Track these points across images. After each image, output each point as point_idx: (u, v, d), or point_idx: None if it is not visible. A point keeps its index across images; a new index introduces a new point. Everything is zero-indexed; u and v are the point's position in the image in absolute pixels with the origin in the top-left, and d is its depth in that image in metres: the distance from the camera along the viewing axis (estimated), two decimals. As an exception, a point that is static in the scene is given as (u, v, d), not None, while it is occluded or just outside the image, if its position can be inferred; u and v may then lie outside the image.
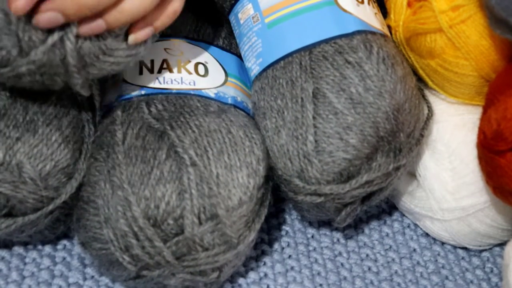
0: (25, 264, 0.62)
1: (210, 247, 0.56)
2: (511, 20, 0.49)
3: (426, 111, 0.63)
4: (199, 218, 0.55)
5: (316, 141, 0.58)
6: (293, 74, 0.60)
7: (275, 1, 0.62)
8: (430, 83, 0.64)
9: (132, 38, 0.55)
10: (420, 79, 0.66)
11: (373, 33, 0.61)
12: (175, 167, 0.56)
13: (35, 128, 0.57)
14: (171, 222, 0.55)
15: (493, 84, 0.58)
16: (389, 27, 0.64)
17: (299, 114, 0.59)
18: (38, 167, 0.56)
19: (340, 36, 0.60)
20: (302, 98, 0.59)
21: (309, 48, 0.60)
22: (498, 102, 0.55)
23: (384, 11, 0.66)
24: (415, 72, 0.65)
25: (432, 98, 0.66)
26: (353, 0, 0.62)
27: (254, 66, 0.63)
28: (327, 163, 0.58)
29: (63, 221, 0.61)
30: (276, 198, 0.65)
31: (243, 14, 0.64)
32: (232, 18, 0.66)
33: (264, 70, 0.62)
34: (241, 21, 0.64)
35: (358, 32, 0.60)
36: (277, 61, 0.61)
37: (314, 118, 0.58)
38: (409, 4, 0.62)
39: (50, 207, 0.57)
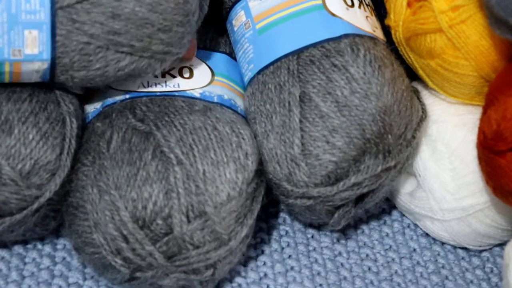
0: (25, 264, 0.62)
1: (201, 244, 0.56)
2: (511, 20, 0.49)
3: (420, 113, 0.63)
4: (187, 216, 0.55)
5: (303, 144, 0.59)
6: (281, 78, 0.60)
7: (265, 7, 0.63)
8: (430, 83, 0.64)
9: None
10: (420, 79, 0.66)
11: (361, 36, 0.61)
12: (161, 167, 0.56)
13: (10, 128, 0.56)
14: (159, 222, 0.55)
15: (493, 84, 0.58)
16: (389, 27, 0.64)
17: (286, 118, 0.59)
18: (18, 167, 0.56)
19: (327, 40, 0.61)
20: (289, 102, 0.59)
21: (297, 53, 0.61)
22: (498, 102, 0.55)
23: (384, 11, 0.66)
24: (414, 73, 0.65)
25: (432, 98, 0.66)
26: (342, 4, 0.62)
27: (246, 72, 0.64)
28: (314, 166, 0.58)
29: (53, 217, 0.61)
30: (276, 198, 0.65)
31: (236, 21, 0.65)
32: (228, 25, 0.67)
33: (255, 75, 0.62)
34: (235, 28, 0.65)
35: (346, 35, 0.61)
36: (266, 67, 0.62)
37: (300, 121, 0.59)
38: (409, 4, 0.62)
39: (35, 205, 0.57)
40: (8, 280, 0.61)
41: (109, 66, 0.56)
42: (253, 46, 0.63)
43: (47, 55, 0.55)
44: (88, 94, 0.63)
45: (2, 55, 0.54)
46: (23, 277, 0.61)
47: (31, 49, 0.54)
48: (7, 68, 0.55)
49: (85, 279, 0.62)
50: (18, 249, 0.63)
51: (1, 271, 0.62)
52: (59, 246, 0.64)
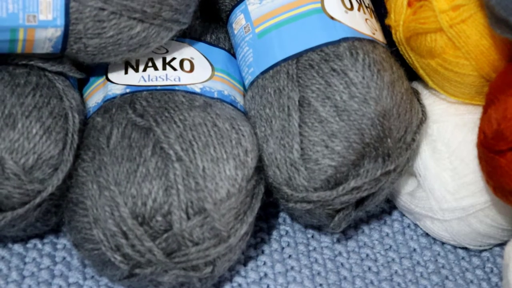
0: (25, 264, 0.62)
1: (200, 241, 0.56)
2: (511, 20, 0.49)
3: (420, 115, 0.63)
4: (187, 213, 0.55)
5: (302, 149, 0.59)
6: (281, 83, 0.61)
7: (265, 11, 0.63)
8: (430, 83, 0.64)
9: None
10: (420, 79, 0.66)
11: (360, 39, 0.61)
12: (161, 163, 0.56)
13: (14, 121, 0.56)
14: (159, 218, 0.55)
15: (493, 83, 0.58)
16: (389, 26, 0.64)
17: (285, 123, 0.59)
18: (21, 162, 0.56)
19: (327, 44, 0.61)
20: (288, 107, 0.59)
21: (296, 57, 0.61)
22: (498, 101, 0.55)
23: (384, 11, 0.66)
24: (415, 72, 0.65)
25: (432, 98, 0.66)
26: (341, 8, 0.62)
27: (246, 76, 0.64)
28: (314, 171, 0.59)
29: (55, 212, 0.60)
30: (276, 201, 0.65)
31: (236, 24, 0.65)
32: (229, 28, 0.67)
33: (255, 79, 0.63)
34: (235, 32, 0.65)
35: (345, 39, 0.61)
36: (266, 70, 0.62)
37: (300, 126, 0.59)
38: (409, 4, 0.62)
39: (37, 200, 0.57)
40: (8, 280, 0.61)
41: (122, 34, 0.57)
42: (252, 50, 0.63)
43: (61, 21, 0.55)
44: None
45: (17, 21, 0.54)
46: (23, 277, 0.61)
47: (46, 15, 0.54)
48: (21, 35, 0.55)
49: (85, 279, 0.62)
50: (18, 248, 0.63)
51: (1, 271, 0.61)
52: (59, 246, 0.64)
